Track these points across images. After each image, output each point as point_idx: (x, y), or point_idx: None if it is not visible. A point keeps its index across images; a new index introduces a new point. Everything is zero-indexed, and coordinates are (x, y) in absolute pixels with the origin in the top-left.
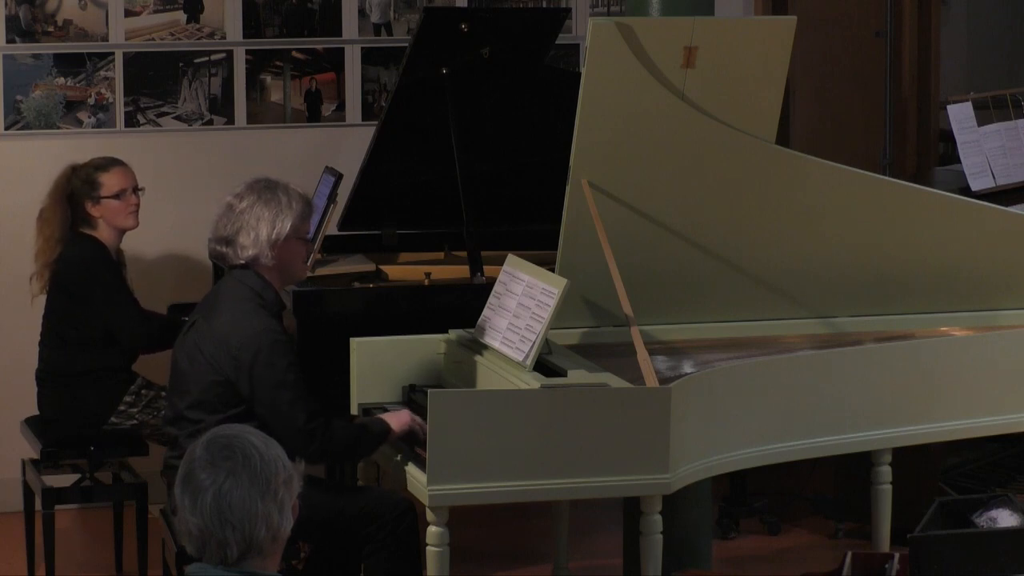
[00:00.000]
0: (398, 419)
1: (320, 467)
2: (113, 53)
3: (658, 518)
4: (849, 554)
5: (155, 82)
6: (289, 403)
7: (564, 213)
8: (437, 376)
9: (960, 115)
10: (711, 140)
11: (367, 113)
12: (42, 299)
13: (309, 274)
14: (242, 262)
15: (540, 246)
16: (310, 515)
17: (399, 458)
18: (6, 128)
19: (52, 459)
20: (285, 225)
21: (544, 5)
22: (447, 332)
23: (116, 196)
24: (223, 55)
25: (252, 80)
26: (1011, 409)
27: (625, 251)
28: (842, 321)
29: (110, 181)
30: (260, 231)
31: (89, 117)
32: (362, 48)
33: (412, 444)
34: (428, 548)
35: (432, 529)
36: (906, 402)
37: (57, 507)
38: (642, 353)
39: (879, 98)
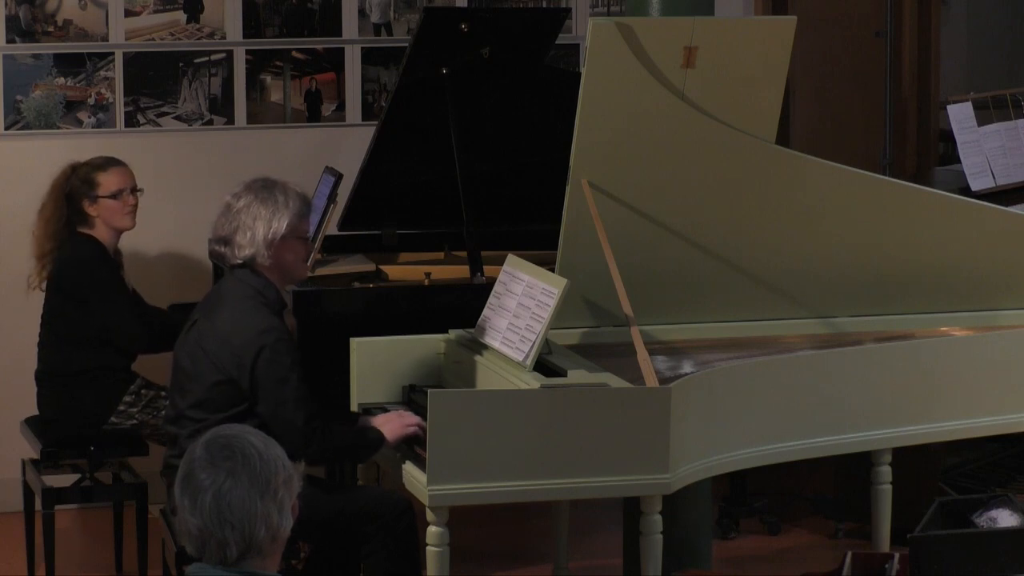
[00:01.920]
0: (391, 428)
1: (320, 467)
2: (113, 53)
3: (658, 518)
4: (849, 554)
5: (155, 82)
6: (290, 403)
7: (564, 213)
8: (437, 376)
9: (960, 115)
10: (711, 140)
11: (367, 113)
12: (40, 297)
13: (309, 274)
14: (240, 261)
15: (540, 246)
16: (309, 515)
17: (399, 457)
18: (6, 128)
19: (52, 459)
20: (282, 224)
21: (544, 5)
22: (447, 332)
23: (113, 196)
24: (223, 55)
25: (252, 80)
26: (1011, 409)
27: (625, 251)
28: (842, 321)
29: (108, 181)
30: (256, 230)
31: (89, 117)
32: (362, 48)
33: (411, 444)
34: (428, 548)
35: (432, 529)
36: (906, 402)
37: (57, 507)
38: (642, 353)
39: (879, 98)
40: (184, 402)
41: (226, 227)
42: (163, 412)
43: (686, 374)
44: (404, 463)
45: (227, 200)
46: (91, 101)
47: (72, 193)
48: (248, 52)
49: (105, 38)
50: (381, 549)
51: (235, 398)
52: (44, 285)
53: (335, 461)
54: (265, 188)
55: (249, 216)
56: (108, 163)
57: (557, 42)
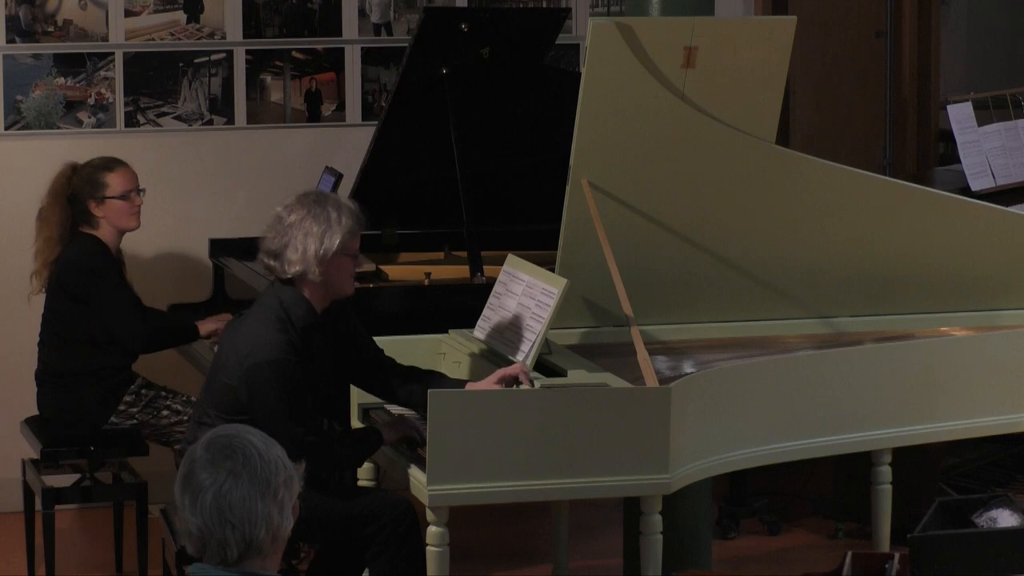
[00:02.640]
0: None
1: None
2: (113, 53)
3: (658, 518)
4: (849, 554)
5: (155, 82)
6: (283, 420)
7: (564, 213)
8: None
9: (960, 115)
10: (711, 140)
11: (367, 113)
12: (41, 298)
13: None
14: (289, 276)
15: (540, 246)
16: (310, 516)
17: (399, 458)
18: (6, 128)
19: (52, 459)
20: (333, 241)
21: (544, 5)
22: (447, 332)
23: (122, 197)
24: (223, 55)
25: (252, 80)
26: (1011, 409)
27: (625, 251)
28: (842, 321)
29: (115, 181)
30: (308, 247)
31: (89, 117)
32: (362, 48)
33: (412, 445)
34: (428, 548)
35: (432, 529)
36: (906, 402)
37: (57, 507)
38: (642, 353)
39: (879, 98)
40: (205, 393)
41: (276, 241)
42: (163, 412)
43: (686, 374)
44: (406, 465)
45: (278, 212)
46: (91, 101)
47: (76, 194)
48: (248, 52)
49: (105, 38)
50: (385, 551)
51: (235, 404)
52: (44, 289)
53: (338, 469)
54: (318, 203)
55: (301, 231)
56: (113, 163)
57: (557, 42)
